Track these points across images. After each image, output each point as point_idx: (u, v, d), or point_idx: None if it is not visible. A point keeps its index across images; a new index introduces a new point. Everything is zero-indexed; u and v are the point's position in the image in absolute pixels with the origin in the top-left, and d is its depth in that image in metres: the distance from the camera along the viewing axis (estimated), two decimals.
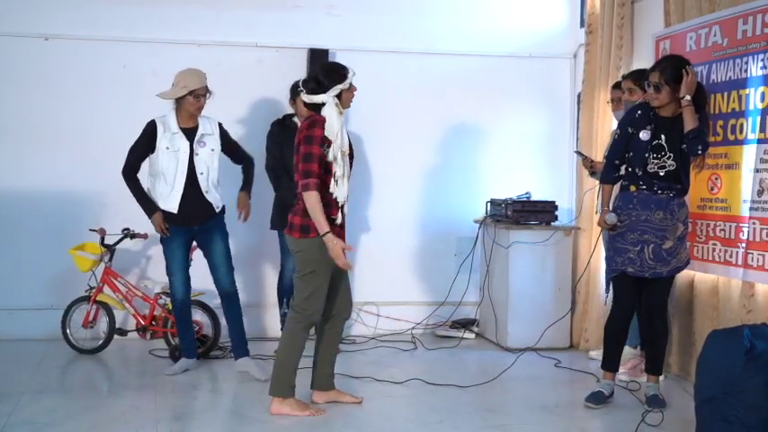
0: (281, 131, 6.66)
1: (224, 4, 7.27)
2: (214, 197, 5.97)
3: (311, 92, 5.00)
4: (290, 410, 5.06)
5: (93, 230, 6.57)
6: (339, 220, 5.02)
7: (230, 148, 6.16)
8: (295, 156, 5.03)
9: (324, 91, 4.97)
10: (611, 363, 5.49)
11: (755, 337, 4.36)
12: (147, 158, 5.92)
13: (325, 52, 7.33)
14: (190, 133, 5.90)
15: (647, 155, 5.25)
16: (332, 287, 5.14)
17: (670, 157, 5.23)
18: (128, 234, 6.58)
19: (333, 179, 4.94)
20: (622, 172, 5.45)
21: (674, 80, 5.19)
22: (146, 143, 5.88)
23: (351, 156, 5.17)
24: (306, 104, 5.09)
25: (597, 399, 5.38)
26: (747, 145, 5.41)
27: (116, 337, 6.62)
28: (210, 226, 5.98)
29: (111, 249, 6.57)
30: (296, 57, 7.34)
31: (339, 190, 4.96)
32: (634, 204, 5.31)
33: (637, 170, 5.30)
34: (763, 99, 5.34)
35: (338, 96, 4.97)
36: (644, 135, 5.27)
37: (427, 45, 7.55)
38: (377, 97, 7.48)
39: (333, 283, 5.14)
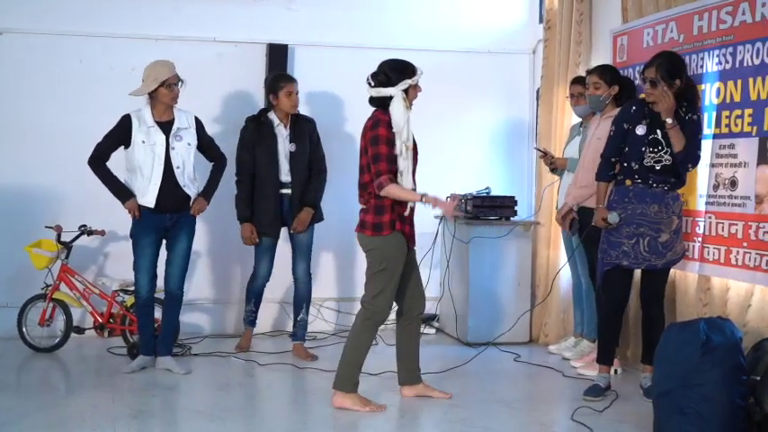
0: (256, 129, 6.44)
1: None
2: (191, 191, 5.93)
3: (380, 85, 5.05)
4: (351, 405, 5.10)
5: (50, 227, 6.48)
6: (407, 213, 5.08)
7: (205, 144, 6.09)
8: (363, 157, 5.11)
9: (392, 85, 5.02)
10: (606, 356, 5.53)
11: (711, 331, 4.42)
12: (124, 154, 5.85)
13: (284, 47, 7.31)
14: (166, 127, 5.84)
15: (643, 149, 5.26)
16: (402, 284, 5.23)
17: (667, 152, 5.23)
18: (85, 231, 6.50)
19: (398, 173, 5.00)
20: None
21: (669, 76, 5.17)
22: (118, 136, 5.82)
23: (415, 151, 5.20)
24: (371, 99, 5.13)
25: (595, 392, 5.40)
26: (703, 140, 5.45)
27: (73, 335, 6.53)
28: (182, 221, 5.93)
29: (67, 246, 6.49)
30: (255, 52, 7.31)
31: (403, 184, 5.01)
32: (630, 198, 5.33)
33: (633, 164, 5.31)
34: (718, 95, 5.40)
35: (405, 92, 5.03)
36: (640, 130, 5.27)
37: (386, 41, 7.52)
38: (336, 92, 7.49)
39: (402, 280, 5.21)
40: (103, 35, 7.00)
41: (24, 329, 6.50)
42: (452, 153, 7.75)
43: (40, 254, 6.46)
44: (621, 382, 5.71)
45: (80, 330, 6.58)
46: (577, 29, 6.90)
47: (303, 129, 6.46)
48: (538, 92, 7.56)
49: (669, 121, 5.16)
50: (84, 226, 6.51)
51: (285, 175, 6.42)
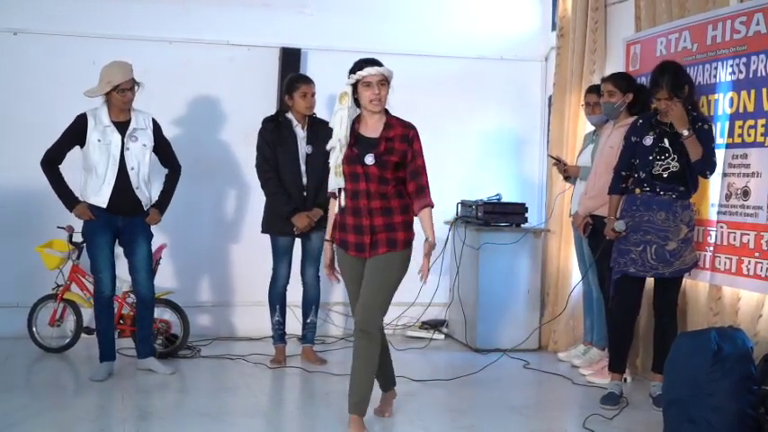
0: (275, 129, 6.33)
1: (194, 2, 7.23)
2: (144, 194, 5.89)
3: None
4: None
5: (61, 228, 6.50)
6: (336, 209, 4.86)
7: (161, 147, 6.02)
8: None
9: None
10: (618, 363, 5.54)
11: (722, 340, 4.42)
12: (81, 152, 5.83)
13: (297, 51, 7.32)
14: (122, 127, 5.81)
15: (651, 157, 5.29)
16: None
17: (674, 159, 5.26)
18: (81, 236, 6.48)
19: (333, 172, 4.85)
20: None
21: (679, 89, 5.19)
22: (72, 136, 5.80)
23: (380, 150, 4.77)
24: None
25: (612, 400, 5.39)
26: (716, 149, 5.45)
27: (83, 335, 6.54)
28: (136, 224, 5.88)
29: (78, 247, 6.49)
30: (268, 56, 7.32)
31: (332, 181, 4.84)
32: (637, 206, 5.36)
33: (641, 173, 5.35)
34: (731, 104, 5.39)
35: (354, 87, 4.82)
36: (647, 140, 5.31)
37: (399, 46, 7.54)
38: None
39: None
40: (117, 37, 7.00)
41: (34, 329, 6.52)
42: (464, 159, 7.76)
43: (51, 254, 6.48)
44: (631, 391, 5.69)
45: (90, 331, 6.57)
46: (591, 37, 6.89)
47: (319, 131, 6.31)
48: (550, 99, 7.55)
49: (686, 132, 5.17)
50: None
51: (303, 177, 6.34)
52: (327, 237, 4.97)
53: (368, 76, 4.77)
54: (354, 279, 4.88)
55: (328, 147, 4.83)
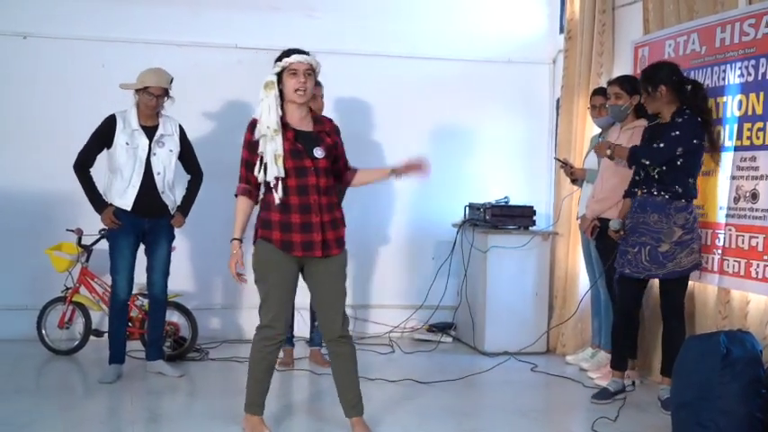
0: None
1: (203, 5, 7.25)
2: (169, 198, 5.93)
3: None
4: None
5: (70, 230, 6.52)
6: (278, 218, 4.59)
7: (186, 154, 6.07)
8: None
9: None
10: (618, 361, 5.62)
11: (731, 343, 4.41)
12: (107, 154, 5.87)
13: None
14: (150, 131, 5.86)
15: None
16: (314, 302, 4.92)
17: None
18: (105, 234, 6.50)
19: (262, 162, 4.57)
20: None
21: (650, 85, 5.34)
22: (101, 137, 5.85)
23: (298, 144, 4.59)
24: None
25: (603, 395, 5.47)
26: (724, 152, 5.46)
27: (92, 338, 6.56)
28: (161, 225, 5.93)
29: (88, 250, 6.52)
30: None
31: (269, 172, 4.55)
32: (635, 207, 5.43)
33: (637, 176, 5.45)
34: (740, 107, 5.38)
35: (279, 76, 4.65)
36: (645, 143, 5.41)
37: (406, 49, 7.56)
38: (355, 100, 7.50)
39: (311, 297, 4.91)
40: (126, 40, 7.03)
41: (44, 332, 6.54)
42: (471, 162, 7.76)
43: (60, 257, 6.50)
44: (640, 394, 5.70)
45: (99, 333, 6.60)
46: (599, 39, 6.88)
47: None
48: (558, 102, 7.55)
49: (608, 152, 5.53)
50: (105, 229, 6.51)
51: None
52: (237, 235, 4.66)
53: (295, 63, 4.60)
54: (288, 283, 4.71)
55: (257, 135, 4.58)
